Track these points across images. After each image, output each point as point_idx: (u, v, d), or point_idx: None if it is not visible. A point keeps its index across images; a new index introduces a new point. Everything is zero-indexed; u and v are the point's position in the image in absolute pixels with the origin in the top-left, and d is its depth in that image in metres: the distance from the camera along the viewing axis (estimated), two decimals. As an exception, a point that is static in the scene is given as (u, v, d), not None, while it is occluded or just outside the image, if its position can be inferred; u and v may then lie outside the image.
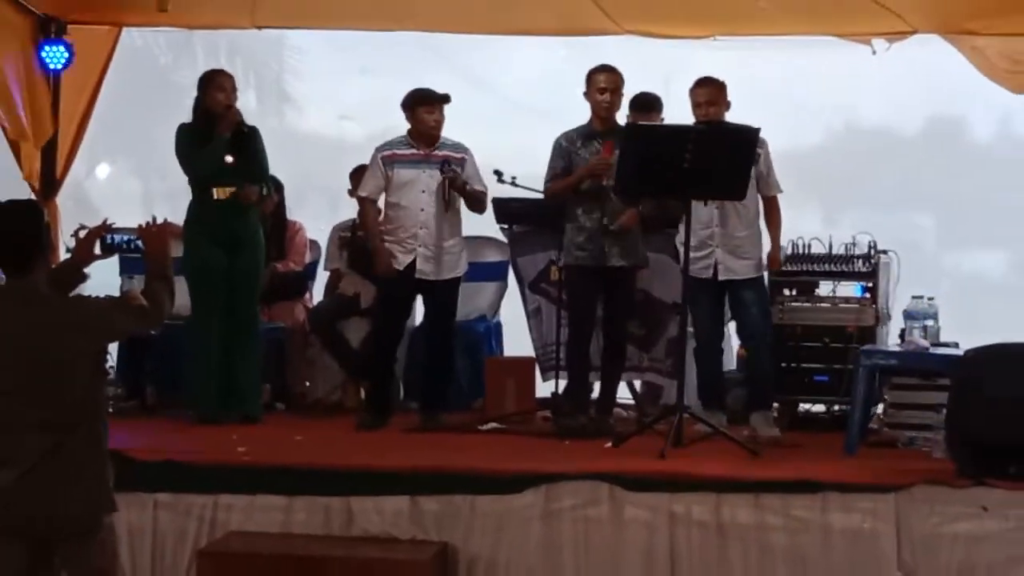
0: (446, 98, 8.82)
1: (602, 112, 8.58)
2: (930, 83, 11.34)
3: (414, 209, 8.79)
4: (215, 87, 8.90)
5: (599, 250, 8.55)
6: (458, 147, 8.88)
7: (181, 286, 8.51)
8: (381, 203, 8.91)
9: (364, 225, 9.15)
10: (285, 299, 9.98)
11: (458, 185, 8.75)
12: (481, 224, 9.48)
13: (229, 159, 8.78)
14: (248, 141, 8.95)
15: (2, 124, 9.75)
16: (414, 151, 8.81)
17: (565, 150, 8.61)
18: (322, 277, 10.40)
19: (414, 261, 8.78)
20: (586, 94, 8.64)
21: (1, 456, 5.22)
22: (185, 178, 8.96)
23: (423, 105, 8.79)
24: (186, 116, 8.95)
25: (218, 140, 8.78)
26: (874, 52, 9.91)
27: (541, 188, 8.84)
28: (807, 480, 6.93)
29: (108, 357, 6.54)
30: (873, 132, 12.51)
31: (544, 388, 9.40)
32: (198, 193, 8.93)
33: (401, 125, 8.86)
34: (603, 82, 8.58)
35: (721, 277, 8.59)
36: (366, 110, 11.58)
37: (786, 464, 7.49)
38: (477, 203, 8.92)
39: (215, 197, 8.88)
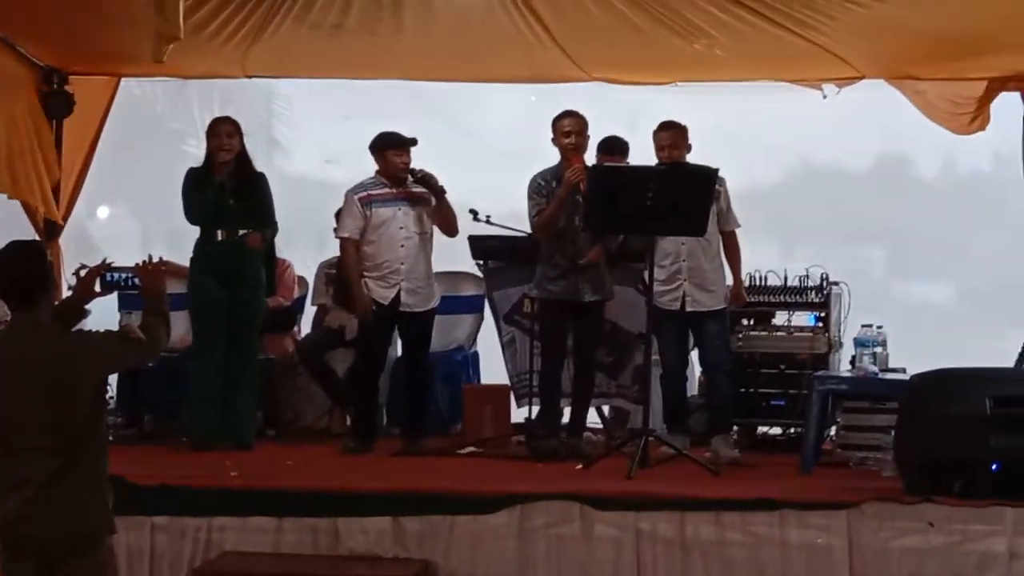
0: (413, 141, 8.87)
1: (569, 155, 8.60)
2: (878, 125, 11.36)
3: (394, 246, 8.82)
4: (212, 134, 8.93)
5: (572, 285, 8.58)
6: (425, 171, 8.90)
7: (181, 320, 8.58)
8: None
9: (344, 265, 9.14)
10: (275, 332, 9.97)
11: (434, 184, 8.78)
12: (458, 260, 9.52)
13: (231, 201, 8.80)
14: (253, 185, 8.96)
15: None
16: (388, 190, 8.85)
17: (544, 188, 8.64)
18: (309, 311, 10.41)
19: (397, 295, 8.81)
20: (553, 139, 8.68)
21: (16, 479, 5.24)
22: (181, 217, 8.97)
23: (392, 148, 8.84)
24: (181, 160, 8.96)
25: (209, 186, 8.79)
26: (824, 96, 9.97)
27: (517, 226, 8.89)
28: (765, 498, 6.95)
29: (108, 387, 6.54)
30: (825, 171, 12.55)
31: (518, 414, 9.41)
32: (202, 232, 8.94)
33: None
34: (567, 126, 8.62)
35: (688, 309, 8.62)
36: (349, 154, 11.57)
37: (745, 483, 7.52)
38: (449, 217, 8.93)
39: (217, 237, 8.89)
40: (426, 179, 8.81)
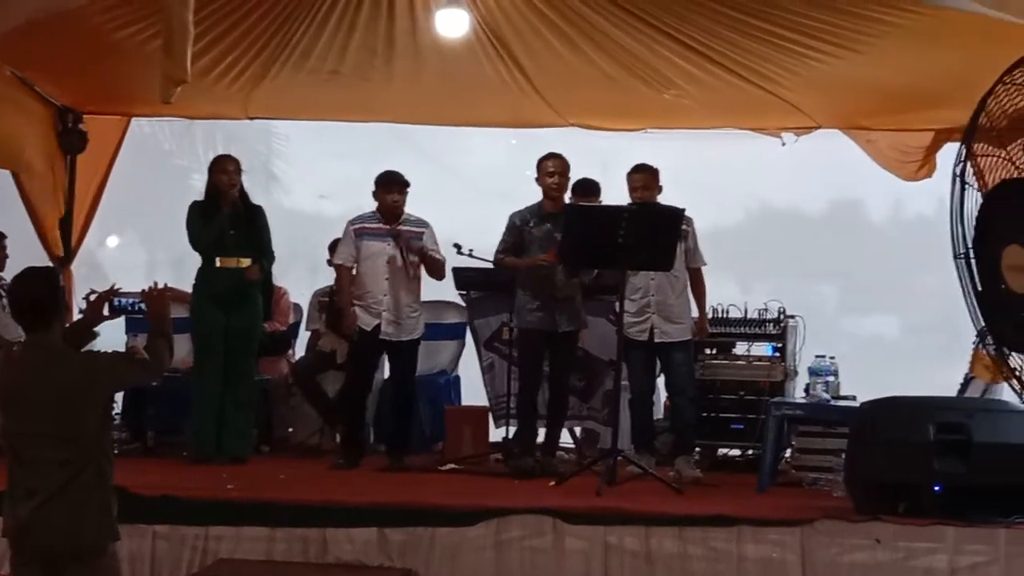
0: (406, 183, 8.86)
1: (552, 193, 8.61)
2: (832, 171, 11.40)
3: (379, 278, 8.82)
4: (219, 170, 8.92)
5: (549, 316, 8.57)
6: (420, 222, 8.92)
7: (183, 342, 8.56)
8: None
9: (338, 288, 9.16)
10: (271, 355, 9.95)
11: (415, 249, 8.77)
12: (443, 290, 9.52)
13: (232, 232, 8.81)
14: (251, 217, 8.96)
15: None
16: (379, 225, 8.85)
17: (518, 228, 8.63)
18: (303, 336, 10.39)
19: (380, 323, 8.81)
20: (537, 179, 8.67)
21: (28, 488, 5.23)
22: (185, 246, 8.96)
23: (383, 187, 8.84)
24: (186, 194, 8.96)
25: (219, 216, 8.79)
26: (783, 144, 10.03)
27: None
28: (724, 515, 6.92)
29: (115, 405, 6.53)
30: (782, 213, 12.58)
31: (497, 434, 9.40)
32: (204, 261, 8.93)
33: (371, 203, 8.90)
34: (552, 167, 8.62)
35: (656, 339, 8.61)
36: (341, 190, 11.59)
37: (706, 501, 7.50)
38: (435, 269, 8.93)
39: (217, 265, 8.88)
40: (406, 242, 8.77)
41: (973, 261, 5.09)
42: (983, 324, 5.12)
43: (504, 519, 6.95)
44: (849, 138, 9.95)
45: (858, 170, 10.49)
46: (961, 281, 5.22)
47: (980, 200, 5.13)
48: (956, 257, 5.23)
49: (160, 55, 6.88)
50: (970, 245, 5.10)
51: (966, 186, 5.21)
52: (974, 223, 5.09)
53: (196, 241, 8.88)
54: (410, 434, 9.17)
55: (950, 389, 8.86)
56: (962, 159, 5.30)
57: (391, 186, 8.84)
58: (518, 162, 9.19)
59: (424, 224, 8.91)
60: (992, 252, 4.94)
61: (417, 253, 8.81)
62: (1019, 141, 5.09)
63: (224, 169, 8.91)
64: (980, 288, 5.07)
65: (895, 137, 9.73)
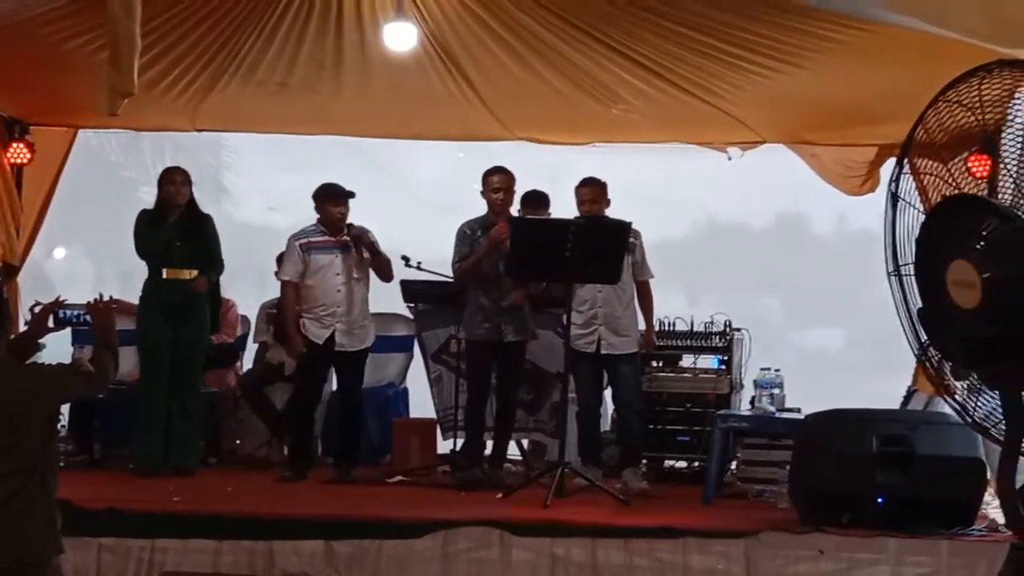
0: (350, 194, 8.87)
1: (497, 208, 8.63)
2: (778, 185, 11.46)
3: (331, 290, 8.80)
4: (167, 182, 8.90)
5: (496, 327, 8.59)
6: (361, 229, 8.89)
7: (130, 354, 8.50)
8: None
9: (283, 307, 9.13)
10: (218, 367, 9.90)
11: (366, 242, 8.75)
12: (390, 303, 9.51)
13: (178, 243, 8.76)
14: (199, 227, 8.92)
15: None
16: (327, 238, 8.84)
17: (469, 237, 8.65)
18: (251, 348, 10.35)
19: (332, 335, 8.79)
20: (482, 192, 8.70)
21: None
22: (132, 259, 8.90)
23: (330, 199, 8.82)
24: (134, 206, 8.90)
25: (165, 226, 8.75)
26: (729, 158, 10.07)
27: (445, 272, 8.89)
28: (670, 527, 6.97)
29: (60, 417, 6.48)
30: (729, 226, 12.64)
31: (444, 445, 9.38)
32: (151, 273, 8.88)
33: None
34: (496, 183, 8.64)
35: (603, 351, 8.63)
36: (291, 202, 11.55)
37: (652, 513, 7.54)
38: (383, 268, 8.90)
39: (164, 276, 8.84)
40: (360, 238, 8.79)
41: (912, 278, 5.13)
42: (924, 339, 5.15)
43: (451, 531, 6.96)
44: (794, 152, 10.01)
45: (803, 184, 10.55)
46: (894, 297, 5.26)
47: (921, 217, 5.17)
48: (890, 274, 5.27)
49: (107, 66, 6.85)
50: (910, 261, 5.14)
51: (901, 202, 5.25)
52: (917, 240, 5.13)
53: (141, 249, 8.83)
54: (358, 446, 9.15)
55: (893, 401, 8.92)
56: (895, 177, 5.34)
57: (338, 198, 8.82)
58: (466, 175, 9.19)
59: (365, 230, 8.89)
60: (937, 268, 4.98)
61: (368, 247, 8.78)
62: (958, 159, 5.14)
63: (172, 180, 8.88)
64: (922, 304, 5.10)
65: (839, 152, 9.78)
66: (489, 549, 6.93)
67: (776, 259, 12.38)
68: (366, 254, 8.82)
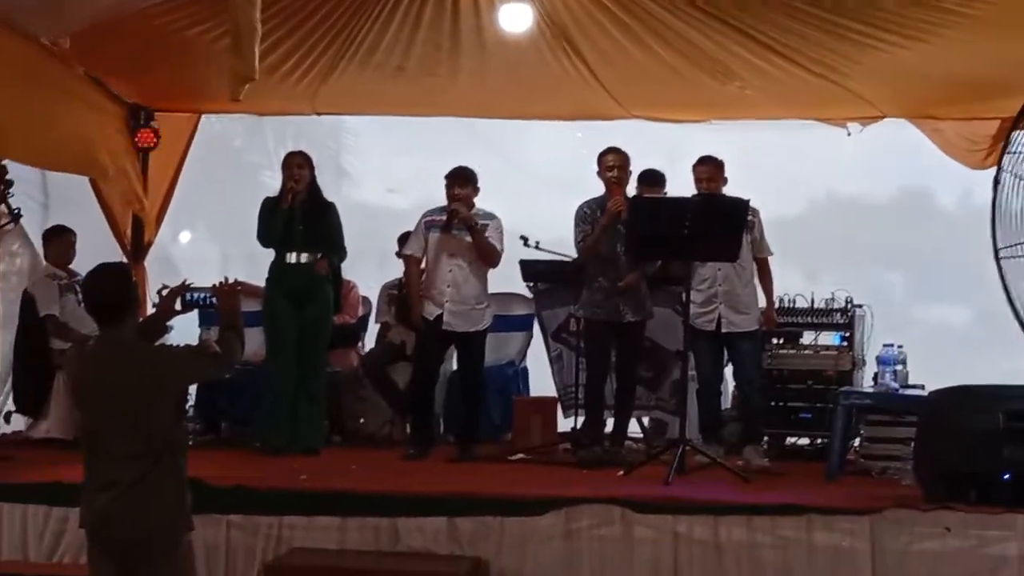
0: (466, 179, 8.79)
1: (612, 187, 8.61)
2: (899, 160, 11.26)
3: (443, 269, 8.83)
4: (284, 166, 8.99)
5: (614, 307, 8.57)
6: (487, 215, 8.90)
7: (255, 336, 8.62)
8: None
9: (406, 279, 9.21)
10: (341, 347, 10.01)
11: (463, 216, 8.74)
12: (510, 283, 9.53)
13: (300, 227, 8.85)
14: (322, 213, 8.99)
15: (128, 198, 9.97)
16: (443, 217, 8.84)
17: (589, 216, 8.62)
18: (373, 328, 10.44)
19: (442, 314, 8.82)
20: (598, 172, 8.67)
21: (104, 481, 5.28)
22: (256, 242, 9.01)
23: (447, 180, 8.84)
24: (257, 190, 9.03)
25: (281, 212, 8.83)
26: (849, 134, 9.96)
27: (564, 252, 8.90)
28: (793, 504, 6.90)
29: (188, 397, 6.58)
30: (849, 201, 12.43)
31: (565, 424, 9.39)
32: (276, 256, 8.99)
33: (439, 197, 8.91)
34: (611, 161, 8.62)
35: (724, 330, 8.59)
36: (410, 184, 11.61)
37: (774, 490, 7.47)
38: (484, 251, 8.84)
39: (287, 260, 8.93)
40: (454, 213, 8.74)
41: (1017, 260, 4.98)
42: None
43: (573, 508, 6.95)
44: (916, 127, 9.86)
45: (925, 159, 10.38)
46: (1003, 280, 5.07)
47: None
48: (997, 257, 5.08)
49: (228, 53, 6.94)
50: (1016, 241, 4.98)
51: (1010, 179, 5.09)
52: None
53: (260, 236, 8.93)
54: (479, 424, 9.20)
55: (1020, 378, 8.74)
56: (1003, 152, 5.17)
57: (454, 180, 8.83)
58: (584, 155, 9.17)
59: (491, 216, 8.90)
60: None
61: (464, 222, 8.75)
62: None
63: (287, 164, 8.97)
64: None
65: (962, 126, 9.63)
66: (611, 526, 6.91)
67: (898, 235, 12.15)
68: (467, 237, 8.80)
